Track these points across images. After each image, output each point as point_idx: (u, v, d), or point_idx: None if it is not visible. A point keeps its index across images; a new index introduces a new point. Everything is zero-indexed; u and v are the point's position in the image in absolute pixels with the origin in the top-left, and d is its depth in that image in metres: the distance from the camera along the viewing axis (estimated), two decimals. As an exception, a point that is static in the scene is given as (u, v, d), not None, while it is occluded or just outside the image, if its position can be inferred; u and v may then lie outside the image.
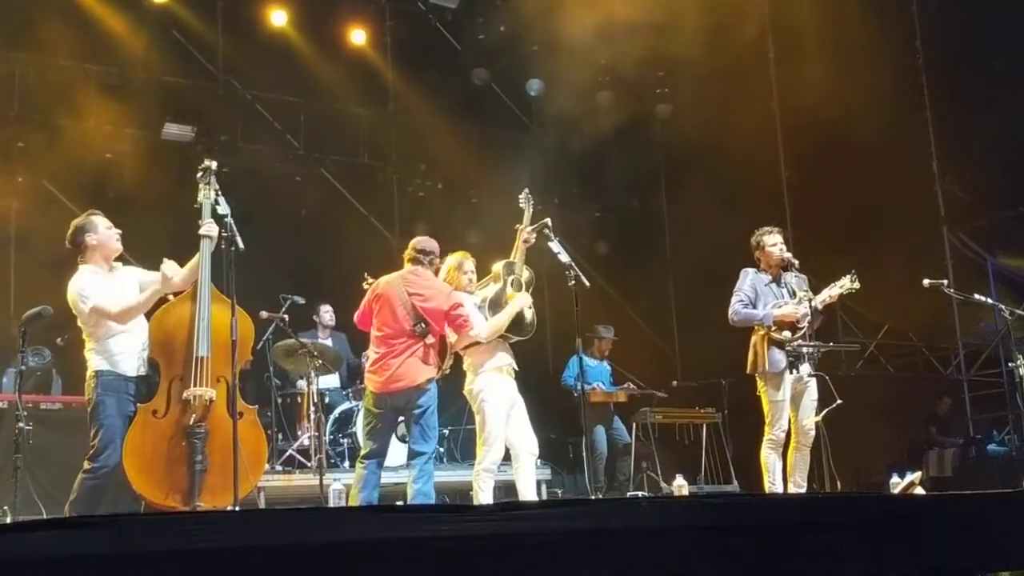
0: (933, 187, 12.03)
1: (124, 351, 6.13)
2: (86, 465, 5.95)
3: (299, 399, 9.54)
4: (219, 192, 6.03)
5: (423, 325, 6.60)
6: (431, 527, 3.58)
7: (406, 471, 9.17)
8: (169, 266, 6.20)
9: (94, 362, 6.11)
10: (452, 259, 6.97)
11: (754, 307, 7.24)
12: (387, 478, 9.09)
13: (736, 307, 7.29)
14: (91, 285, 6.08)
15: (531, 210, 7.06)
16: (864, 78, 11.19)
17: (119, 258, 6.40)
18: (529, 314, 6.87)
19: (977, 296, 8.63)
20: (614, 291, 12.65)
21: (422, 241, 6.99)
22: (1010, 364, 8.20)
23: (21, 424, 6.33)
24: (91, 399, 6.06)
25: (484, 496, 6.49)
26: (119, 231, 6.30)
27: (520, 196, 7.14)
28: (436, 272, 6.89)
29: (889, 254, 10.56)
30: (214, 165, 6.32)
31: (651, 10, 11.14)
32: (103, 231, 6.21)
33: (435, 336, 6.70)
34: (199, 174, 6.28)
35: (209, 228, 6.15)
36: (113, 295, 6.12)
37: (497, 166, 12.44)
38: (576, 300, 6.73)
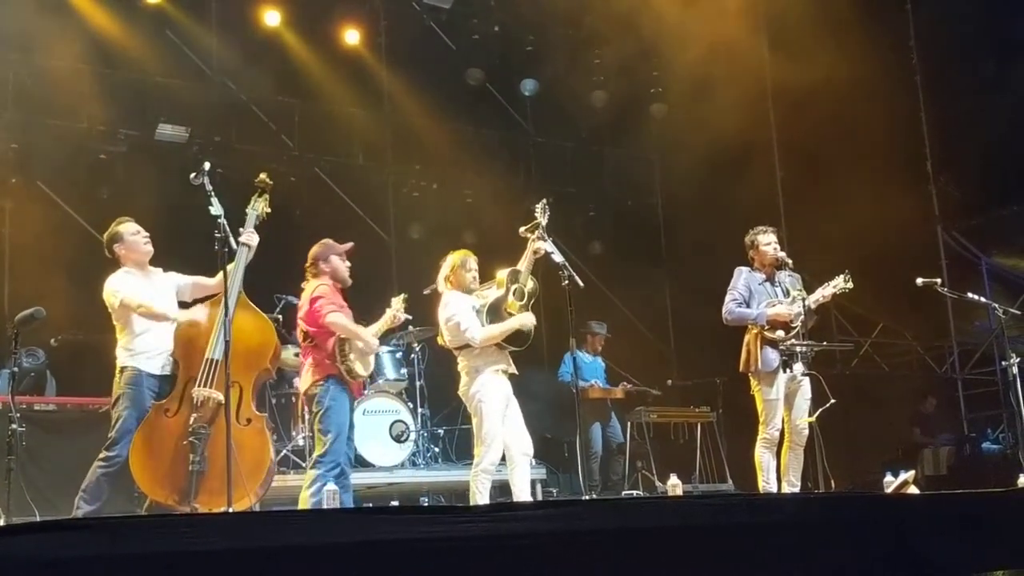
0: (927, 186, 12.06)
1: (151, 349, 6.32)
2: (101, 454, 6.11)
3: (293, 399, 9.52)
4: (212, 194, 6.04)
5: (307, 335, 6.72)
6: (426, 528, 3.58)
7: (401, 471, 9.30)
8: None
9: (122, 358, 6.31)
10: (455, 257, 6.88)
11: (748, 306, 7.24)
12: (379, 479, 9.14)
13: (730, 306, 7.29)
14: (123, 282, 6.34)
15: (546, 221, 6.87)
16: (858, 77, 11.20)
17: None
18: (529, 323, 6.80)
19: (971, 295, 8.65)
20: (609, 290, 12.65)
21: (310, 254, 6.93)
22: (1004, 363, 8.19)
23: (14, 426, 6.32)
24: (116, 393, 6.25)
25: (481, 497, 6.48)
26: (147, 235, 6.52)
27: (536, 206, 6.93)
28: (334, 271, 6.80)
29: (883, 253, 10.57)
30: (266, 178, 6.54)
31: (644, 9, 11.15)
32: (129, 238, 6.48)
33: (318, 337, 6.63)
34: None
35: (249, 237, 6.36)
36: (145, 293, 6.32)
37: (492, 166, 12.45)
38: (570, 300, 6.72)
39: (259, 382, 6.61)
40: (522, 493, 6.63)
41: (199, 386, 6.13)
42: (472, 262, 6.90)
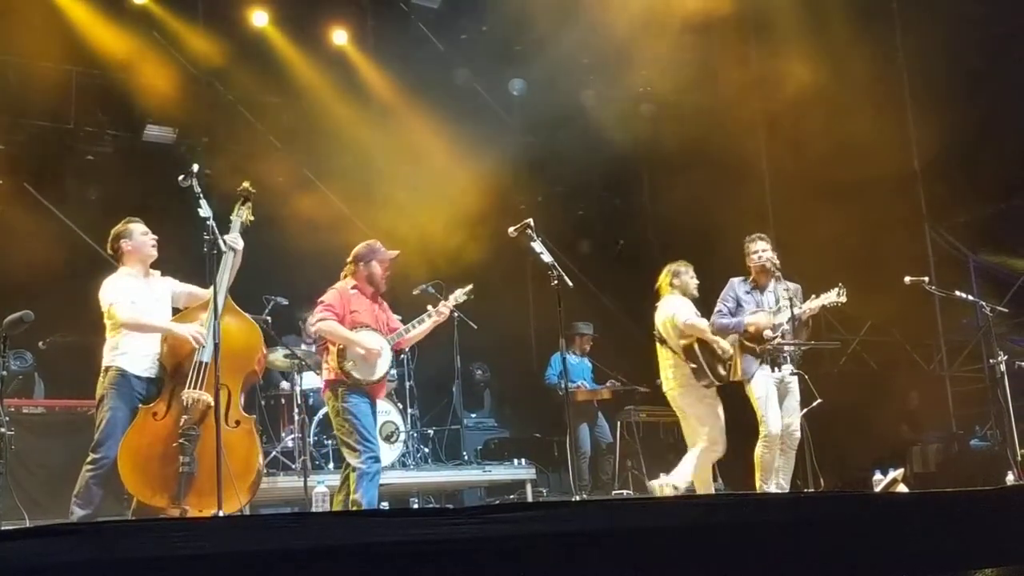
0: (915, 184, 12.09)
1: (137, 351, 6.31)
2: (89, 458, 6.09)
3: (283, 400, 9.52)
4: (200, 196, 6.03)
5: None
6: (416, 531, 3.58)
7: (391, 472, 9.28)
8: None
9: (107, 358, 6.32)
10: (678, 264, 7.61)
11: (736, 316, 7.40)
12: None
13: (714, 318, 7.57)
14: (117, 285, 6.36)
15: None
16: (846, 76, 11.23)
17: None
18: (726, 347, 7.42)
19: (959, 293, 8.70)
20: (597, 290, 12.65)
21: (353, 251, 7.02)
22: (992, 360, 8.24)
23: (3, 429, 6.31)
24: (100, 393, 6.23)
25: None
26: (155, 238, 6.56)
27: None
28: (369, 276, 6.90)
29: (871, 251, 10.59)
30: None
31: (632, 9, 11.16)
32: (138, 237, 6.52)
33: (320, 340, 6.90)
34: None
35: (235, 241, 6.36)
36: (137, 299, 6.35)
37: (481, 166, 12.42)
38: (559, 300, 6.74)
39: (247, 384, 6.63)
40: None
41: (189, 388, 6.13)
42: (692, 270, 7.63)
